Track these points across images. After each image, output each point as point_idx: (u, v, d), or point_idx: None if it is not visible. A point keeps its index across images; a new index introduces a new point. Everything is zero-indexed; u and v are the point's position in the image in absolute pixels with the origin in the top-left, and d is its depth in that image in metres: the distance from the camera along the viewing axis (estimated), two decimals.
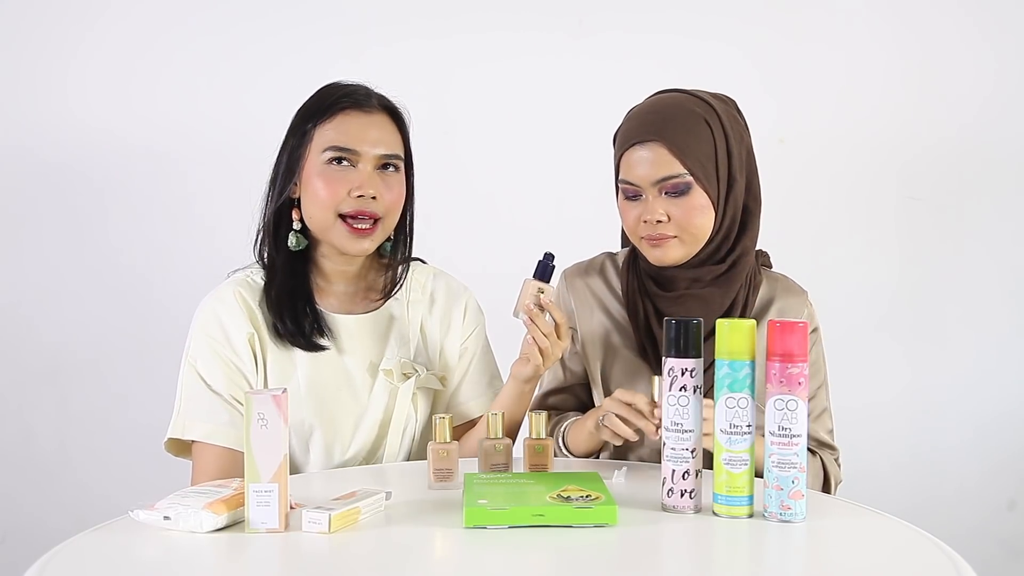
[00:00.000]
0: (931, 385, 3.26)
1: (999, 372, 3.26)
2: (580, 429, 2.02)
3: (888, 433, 3.24)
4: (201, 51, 3.07)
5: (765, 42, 3.18)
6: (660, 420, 1.77)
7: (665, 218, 1.97)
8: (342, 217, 2.02)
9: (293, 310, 2.05)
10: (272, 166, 2.08)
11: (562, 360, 2.21)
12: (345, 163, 2.01)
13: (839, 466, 2.08)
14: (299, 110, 2.08)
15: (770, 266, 2.17)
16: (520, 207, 3.13)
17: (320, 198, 2.01)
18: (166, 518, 1.53)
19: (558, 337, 1.96)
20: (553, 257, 1.97)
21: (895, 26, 3.20)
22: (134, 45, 3.07)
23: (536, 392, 2.21)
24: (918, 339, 3.26)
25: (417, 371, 2.10)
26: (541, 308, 1.94)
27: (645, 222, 1.98)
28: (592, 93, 3.05)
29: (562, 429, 2.08)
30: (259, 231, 2.10)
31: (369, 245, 2.05)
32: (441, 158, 3.09)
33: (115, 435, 3.00)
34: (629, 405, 1.84)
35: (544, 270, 1.96)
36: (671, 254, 2.00)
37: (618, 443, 1.87)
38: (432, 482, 1.78)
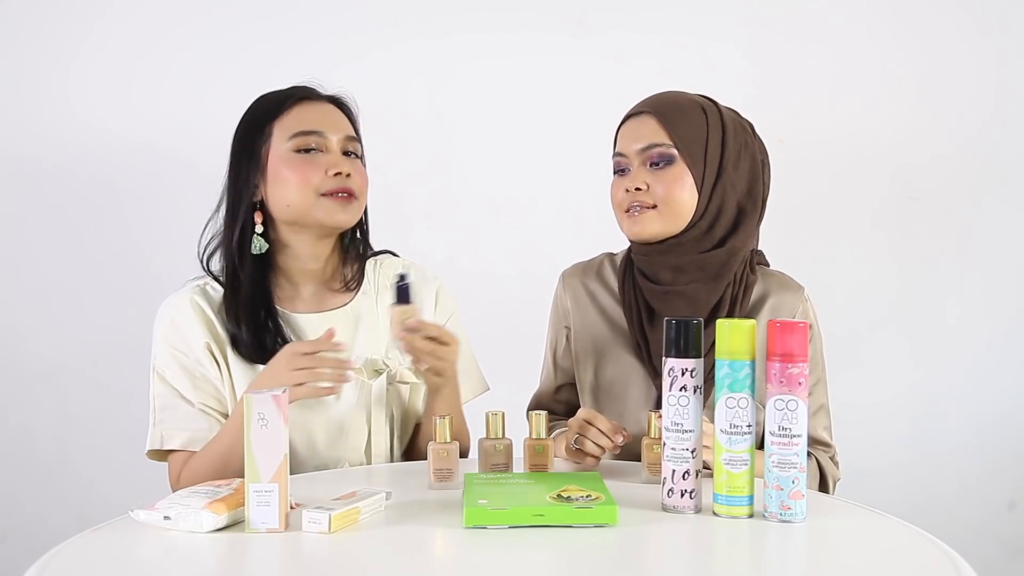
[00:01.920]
0: (931, 385, 3.26)
1: (999, 372, 3.26)
2: (558, 444, 2.04)
3: (888, 433, 3.24)
4: (202, 52, 3.07)
5: (765, 42, 3.18)
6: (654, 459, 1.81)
7: (644, 186, 2.00)
8: (322, 196, 2.02)
9: (255, 323, 2.04)
10: (227, 178, 2.08)
11: (554, 359, 2.23)
12: (314, 149, 2.02)
13: (836, 464, 2.08)
14: (244, 120, 2.09)
15: (767, 264, 2.17)
16: (520, 207, 3.13)
17: (296, 182, 2.01)
18: (166, 518, 1.54)
19: (443, 343, 1.98)
20: (405, 278, 1.99)
21: (895, 26, 3.19)
22: (135, 47, 3.06)
23: (538, 387, 2.27)
24: (918, 339, 3.26)
25: (387, 366, 2.10)
26: (413, 330, 1.95)
27: (627, 191, 2.02)
28: (592, 93, 3.05)
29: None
30: (219, 242, 2.09)
31: (352, 216, 2.06)
32: (441, 158, 3.10)
33: (115, 435, 3.00)
34: (590, 424, 1.88)
35: (401, 293, 1.98)
36: (648, 227, 2.02)
37: (590, 462, 1.90)
38: (432, 482, 1.78)
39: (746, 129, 2.08)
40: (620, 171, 2.07)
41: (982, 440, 3.26)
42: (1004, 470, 3.28)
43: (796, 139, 3.16)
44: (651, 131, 2.02)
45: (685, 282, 2.04)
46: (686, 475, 1.62)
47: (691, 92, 2.10)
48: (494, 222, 3.13)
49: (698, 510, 1.63)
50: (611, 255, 2.23)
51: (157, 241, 3.07)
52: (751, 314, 2.06)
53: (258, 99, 2.10)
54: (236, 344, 2.03)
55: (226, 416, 2.03)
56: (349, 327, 2.11)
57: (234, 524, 1.56)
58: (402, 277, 1.99)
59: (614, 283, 2.17)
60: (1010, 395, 3.26)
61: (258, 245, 2.06)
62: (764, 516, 1.59)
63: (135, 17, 3.06)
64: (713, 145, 2.02)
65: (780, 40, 3.18)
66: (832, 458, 2.07)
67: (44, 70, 3.05)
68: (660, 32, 3.14)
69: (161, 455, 2.05)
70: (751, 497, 1.61)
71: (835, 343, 3.02)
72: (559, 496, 1.59)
